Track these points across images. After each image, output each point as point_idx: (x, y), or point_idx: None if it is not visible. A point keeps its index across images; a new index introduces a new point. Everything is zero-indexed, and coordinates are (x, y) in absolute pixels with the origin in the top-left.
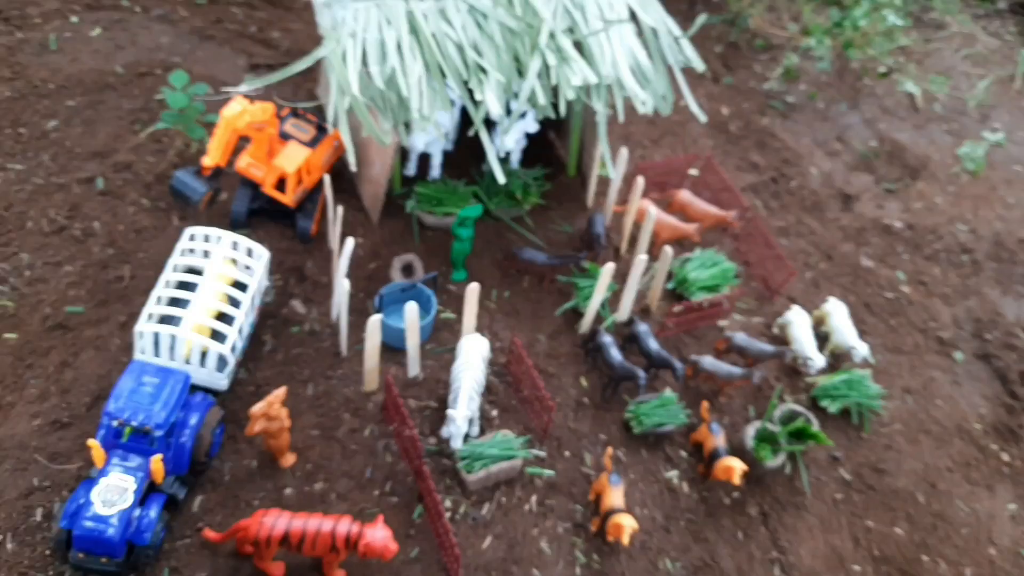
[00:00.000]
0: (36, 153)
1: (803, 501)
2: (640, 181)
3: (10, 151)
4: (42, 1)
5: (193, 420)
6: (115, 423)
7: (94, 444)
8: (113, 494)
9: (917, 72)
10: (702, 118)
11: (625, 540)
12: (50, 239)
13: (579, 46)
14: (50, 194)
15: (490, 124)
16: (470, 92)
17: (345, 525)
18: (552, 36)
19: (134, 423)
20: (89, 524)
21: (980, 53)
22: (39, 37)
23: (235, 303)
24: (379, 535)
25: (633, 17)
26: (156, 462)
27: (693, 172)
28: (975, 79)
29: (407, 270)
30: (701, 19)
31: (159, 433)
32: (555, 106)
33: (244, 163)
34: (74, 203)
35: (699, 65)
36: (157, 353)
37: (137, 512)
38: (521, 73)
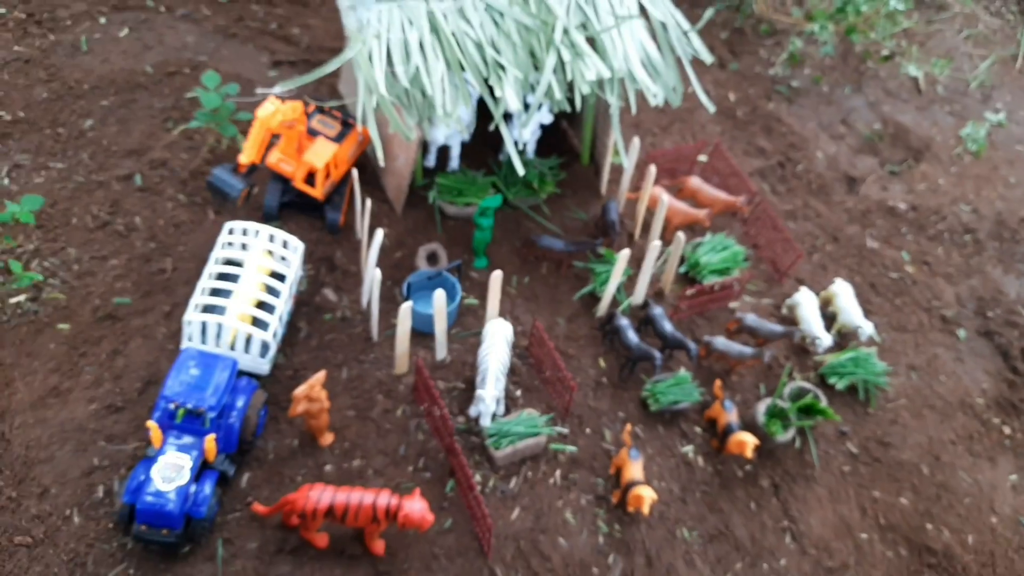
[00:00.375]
0: (75, 152)
1: (812, 473)
2: (652, 169)
3: (51, 150)
4: (70, 3)
5: (240, 403)
6: (171, 406)
7: (153, 425)
8: (171, 471)
9: (919, 54)
10: (711, 108)
11: (645, 510)
12: (95, 234)
13: (592, 41)
14: (91, 191)
15: (506, 116)
16: (490, 88)
17: (385, 498)
18: (566, 32)
19: (188, 406)
20: (150, 499)
21: (982, 34)
22: (70, 39)
23: (274, 292)
24: (417, 507)
25: (643, 12)
26: (210, 441)
27: (702, 158)
28: (977, 60)
29: (432, 258)
30: (708, 13)
31: (212, 415)
32: (571, 100)
33: (275, 159)
34: (115, 199)
35: (707, 57)
36: (204, 340)
37: (193, 488)
38: (537, 68)
